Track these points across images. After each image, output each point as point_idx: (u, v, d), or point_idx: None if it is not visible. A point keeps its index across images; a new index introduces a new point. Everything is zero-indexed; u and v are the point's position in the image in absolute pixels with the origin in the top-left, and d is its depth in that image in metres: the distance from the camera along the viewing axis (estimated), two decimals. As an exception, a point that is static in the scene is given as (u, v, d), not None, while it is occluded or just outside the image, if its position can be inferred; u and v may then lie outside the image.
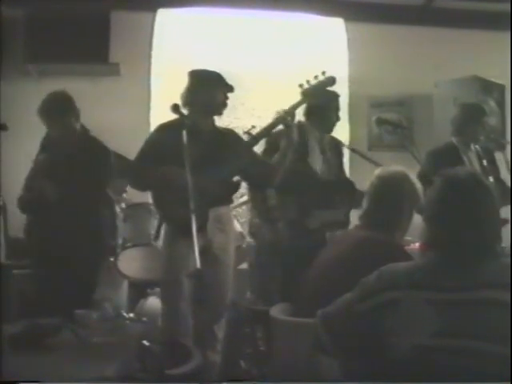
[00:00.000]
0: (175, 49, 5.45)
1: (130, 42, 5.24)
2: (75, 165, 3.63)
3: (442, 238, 1.87)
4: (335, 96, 4.06)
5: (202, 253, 3.18)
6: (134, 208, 4.47)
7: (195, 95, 3.42)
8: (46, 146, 3.79)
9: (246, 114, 5.35)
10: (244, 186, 4.38)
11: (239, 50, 5.49)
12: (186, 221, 3.20)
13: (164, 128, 3.44)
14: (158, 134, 3.46)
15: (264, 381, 3.44)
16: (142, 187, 3.59)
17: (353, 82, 5.65)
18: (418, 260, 1.95)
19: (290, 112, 3.37)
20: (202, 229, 3.18)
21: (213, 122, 3.48)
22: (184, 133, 2.94)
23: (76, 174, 3.60)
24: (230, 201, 3.51)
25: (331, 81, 3.41)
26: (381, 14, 5.51)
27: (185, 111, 3.35)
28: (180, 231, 3.29)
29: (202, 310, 3.26)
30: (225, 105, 3.45)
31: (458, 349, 1.71)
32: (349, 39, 5.66)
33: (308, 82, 3.37)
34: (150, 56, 5.41)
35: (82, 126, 3.83)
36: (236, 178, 3.40)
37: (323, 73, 3.37)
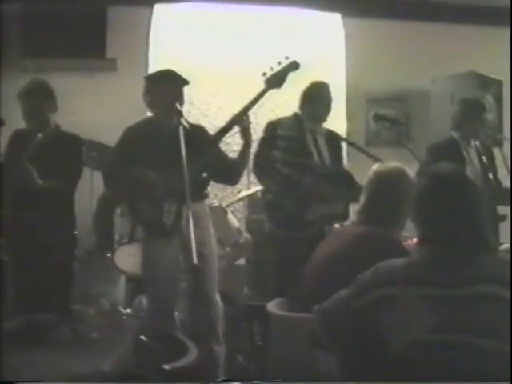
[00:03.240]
0: (172, 44, 5.45)
1: (127, 37, 5.24)
2: (47, 158, 3.64)
3: (433, 234, 1.88)
4: (325, 86, 4.06)
5: (180, 249, 3.24)
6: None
7: (153, 96, 3.47)
8: (15, 140, 3.79)
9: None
10: (241, 181, 4.42)
11: (237, 45, 5.48)
12: (157, 222, 3.27)
13: (132, 130, 3.48)
14: (126, 137, 3.49)
15: (261, 375, 3.45)
16: (113, 189, 3.65)
17: (350, 77, 5.64)
18: (414, 256, 1.95)
19: (249, 108, 3.38)
20: (176, 226, 3.21)
21: (178, 118, 3.49)
22: (181, 129, 2.98)
23: (48, 166, 3.62)
24: (203, 197, 3.52)
25: (294, 65, 3.43)
26: (378, 10, 5.50)
27: (149, 114, 3.46)
28: (153, 232, 3.33)
29: (199, 305, 3.31)
30: (182, 99, 3.45)
31: (455, 344, 1.72)
32: (346, 34, 5.66)
33: (272, 69, 3.40)
34: (147, 51, 5.40)
35: (55, 122, 3.87)
36: (204, 174, 3.45)
37: (286, 58, 3.40)
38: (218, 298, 3.42)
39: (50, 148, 3.71)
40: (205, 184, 3.54)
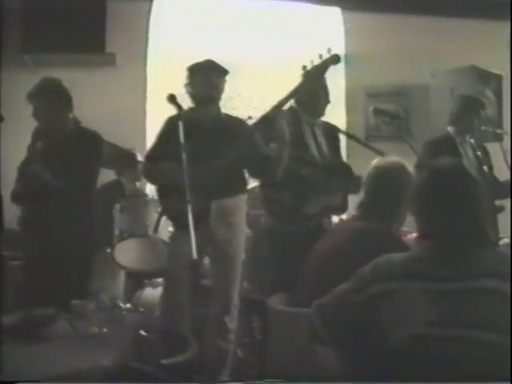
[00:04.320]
0: (172, 38, 5.44)
1: (127, 32, 5.23)
2: (66, 155, 3.62)
3: (433, 228, 1.88)
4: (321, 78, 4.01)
5: (203, 245, 3.20)
6: (131, 199, 4.47)
7: (194, 87, 3.44)
8: (37, 137, 3.78)
9: (242, 104, 5.36)
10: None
11: (236, 39, 5.48)
12: (184, 213, 3.21)
13: (171, 121, 3.45)
14: (165, 127, 3.47)
15: (261, 370, 3.46)
16: (151, 181, 3.66)
17: (349, 71, 5.64)
18: (414, 250, 1.95)
19: (287, 101, 3.31)
20: (203, 221, 3.16)
21: (217, 110, 3.47)
22: (180, 124, 2.94)
23: (67, 163, 3.60)
24: (237, 192, 3.46)
25: (335, 59, 3.31)
26: (378, 4, 5.48)
27: (191, 105, 3.41)
28: (180, 224, 3.30)
29: (201, 300, 3.30)
30: (223, 88, 3.44)
31: (455, 338, 1.72)
32: (346, 29, 5.65)
33: (312, 62, 3.30)
34: (146, 46, 5.40)
35: (74, 118, 3.82)
36: (240, 169, 3.40)
37: (329, 50, 3.28)
38: (236, 297, 3.40)
39: (71, 145, 3.67)
40: (239, 178, 3.48)
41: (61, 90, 3.75)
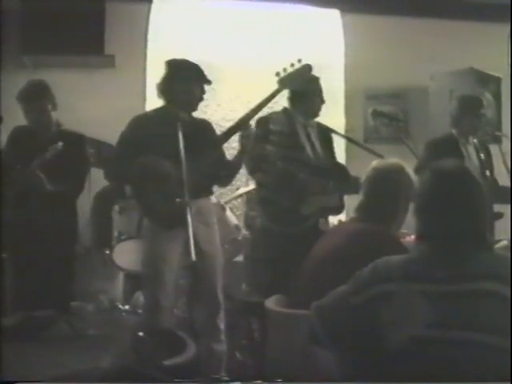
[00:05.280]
0: (171, 40, 5.44)
1: (126, 33, 5.23)
2: (51, 155, 3.64)
3: (433, 230, 1.88)
4: (315, 79, 4.03)
5: (185, 245, 3.21)
6: (130, 200, 4.47)
7: (172, 85, 3.39)
8: (17, 137, 3.81)
9: (241, 106, 5.33)
10: (239, 178, 4.41)
11: (235, 41, 5.48)
12: (165, 213, 3.21)
13: (140, 120, 3.42)
14: (134, 126, 3.42)
15: (260, 372, 3.46)
16: (118, 180, 3.60)
17: (348, 74, 5.65)
18: (413, 252, 1.95)
19: (261, 107, 3.35)
20: (183, 222, 3.15)
21: (189, 113, 3.47)
22: (179, 125, 2.95)
23: (52, 164, 3.61)
24: (209, 193, 3.52)
25: (307, 68, 3.40)
26: (377, 6, 5.50)
27: (160, 101, 3.38)
28: (160, 224, 3.29)
29: (198, 302, 3.30)
30: (201, 99, 3.43)
31: (454, 340, 1.72)
32: (345, 31, 5.66)
33: (285, 69, 3.36)
34: (145, 47, 5.40)
35: (57, 120, 3.86)
36: (213, 170, 3.42)
37: (299, 60, 3.35)
38: (221, 296, 3.40)
39: (53, 143, 3.70)
40: (212, 180, 3.52)
41: (47, 90, 3.80)
